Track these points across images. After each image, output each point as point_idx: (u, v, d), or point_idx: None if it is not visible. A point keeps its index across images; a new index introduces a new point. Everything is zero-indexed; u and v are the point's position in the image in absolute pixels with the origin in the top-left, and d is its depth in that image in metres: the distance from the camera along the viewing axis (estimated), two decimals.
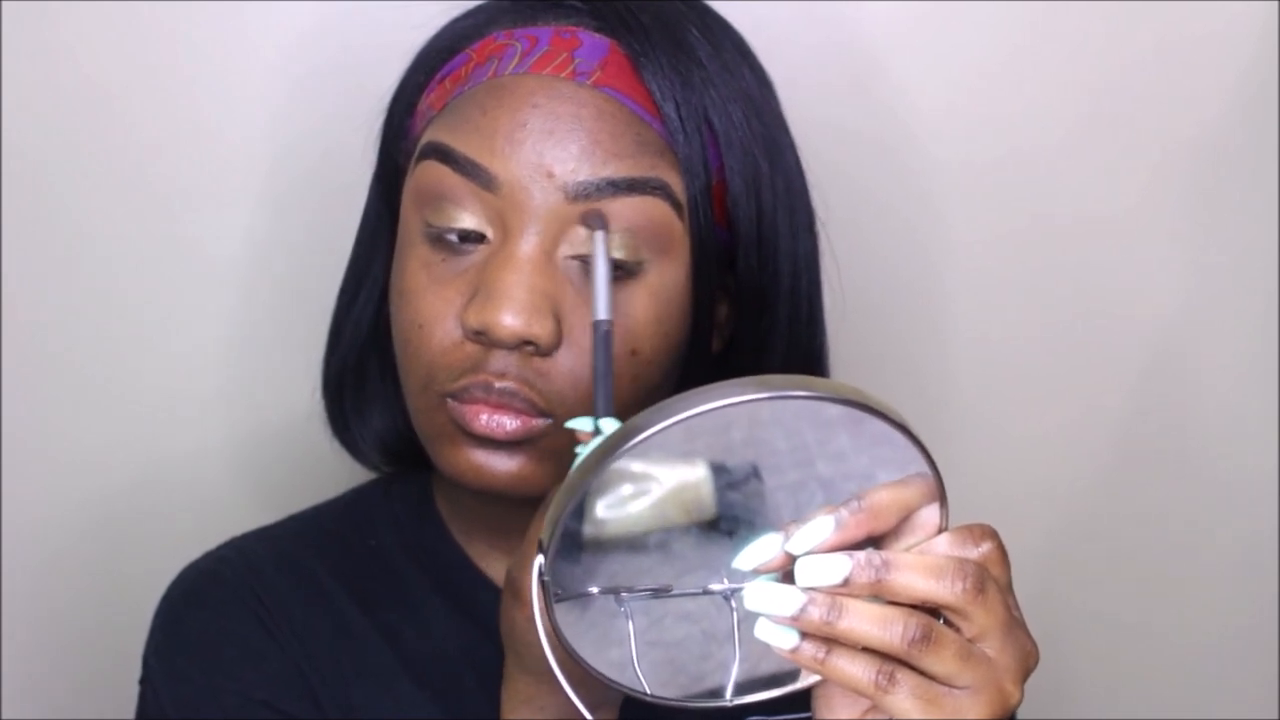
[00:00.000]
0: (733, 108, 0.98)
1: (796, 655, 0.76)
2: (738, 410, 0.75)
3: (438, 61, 1.00)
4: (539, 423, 0.94)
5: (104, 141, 1.27)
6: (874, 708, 0.81)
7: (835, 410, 0.76)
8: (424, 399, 0.96)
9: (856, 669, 0.76)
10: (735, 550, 0.78)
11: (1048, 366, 1.40)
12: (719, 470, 0.78)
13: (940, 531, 0.79)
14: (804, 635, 0.76)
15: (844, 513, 0.76)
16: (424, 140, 0.97)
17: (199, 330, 1.32)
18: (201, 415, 1.33)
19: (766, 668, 0.81)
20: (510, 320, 0.91)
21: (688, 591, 0.80)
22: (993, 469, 1.37)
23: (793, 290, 1.02)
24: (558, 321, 0.93)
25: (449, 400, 0.94)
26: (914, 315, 1.39)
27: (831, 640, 0.76)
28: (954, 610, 0.76)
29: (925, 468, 0.78)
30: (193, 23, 1.26)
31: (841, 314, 1.13)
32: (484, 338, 0.92)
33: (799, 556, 0.76)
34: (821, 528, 0.76)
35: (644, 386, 0.96)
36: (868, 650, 0.76)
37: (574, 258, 0.93)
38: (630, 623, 0.79)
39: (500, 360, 0.93)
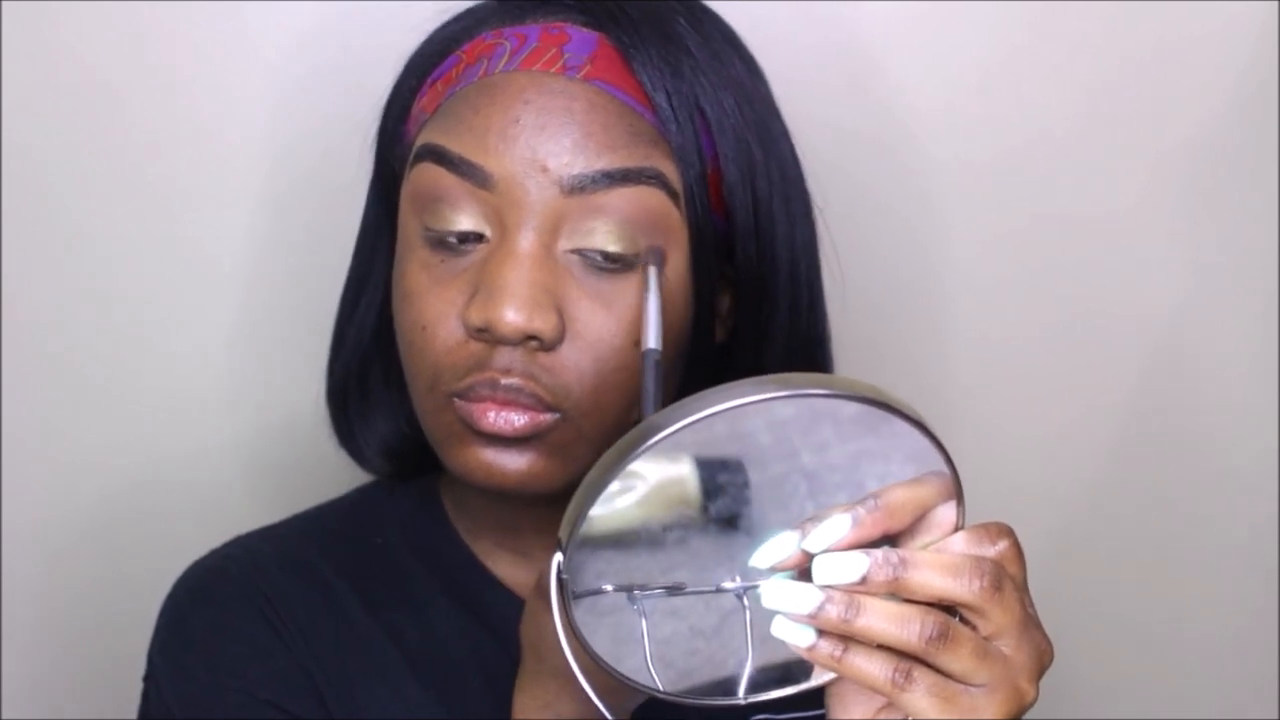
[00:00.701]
0: (724, 96, 0.98)
1: (813, 653, 0.76)
2: (755, 409, 0.75)
3: (429, 65, 1.00)
4: (547, 417, 0.94)
5: (104, 141, 1.27)
6: (889, 706, 0.81)
7: (852, 408, 0.76)
8: (431, 400, 0.96)
9: (873, 667, 0.76)
10: (750, 548, 0.79)
11: (1047, 366, 1.40)
12: (705, 465, 0.78)
13: (956, 530, 0.79)
14: (820, 633, 0.76)
15: (861, 511, 0.76)
16: (418, 143, 0.97)
17: (200, 330, 1.31)
18: (203, 415, 1.33)
19: (780, 665, 0.82)
20: (512, 316, 0.91)
21: (701, 589, 0.80)
22: (992, 468, 1.37)
23: (792, 277, 1.02)
24: (560, 315, 0.93)
25: (456, 400, 0.94)
26: (913, 315, 1.39)
27: (848, 638, 0.76)
28: (971, 608, 0.76)
29: (942, 466, 0.78)
30: (193, 23, 1.26)
31: (841, 311, 1.13)
32: (487, 335, 0.92)
33: (816, 554, 0.76)
34: (838, 526, 0.76)
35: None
36: (883, 648, 0.76)
37: (573, 251, 0.94)
38: (644, 621, 0.79)
39: (505, 357, 0.93)
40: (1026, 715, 0.81)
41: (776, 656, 0.81)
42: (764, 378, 0.76)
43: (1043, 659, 0.80)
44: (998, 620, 0.77)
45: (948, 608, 0.77)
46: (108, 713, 1.31)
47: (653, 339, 0.90)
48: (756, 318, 1.02)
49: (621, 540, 0.79)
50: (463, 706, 1.01)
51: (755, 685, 0.81)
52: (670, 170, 0.95)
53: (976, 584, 0.76)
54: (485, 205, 0.94)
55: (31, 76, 1.25)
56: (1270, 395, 1.40)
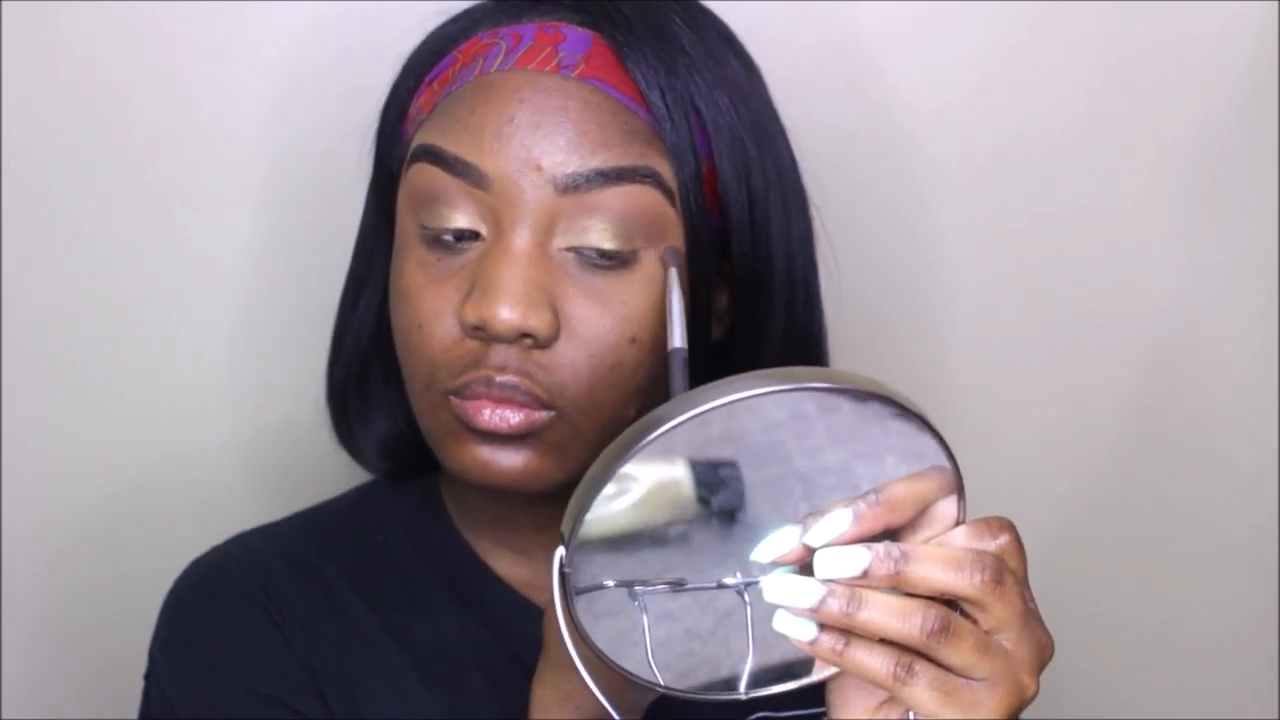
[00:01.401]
0: (719, 94, 0.98)
1: (815, 647, 0.76)
2: (756, 403, 0.75)
3: (426, 65, 1.00)
4: (542, 415, 0.94)
5: (104, 141, 1.27)
6: (890, 700, 0.82)
7: (852, 403, 0.76)
8: (427, 398, 0.96)
9: (875, 661, 0.76)
10: (750, 544, 0.79)
11: (1046, 365, 1.40)
12: (704, 460, 0.78)
13: (958, 524, 0.79)
14: (822, 627, 0.76)
15: (862, 505, 0.76)
16: (415, 143, 0.98)
17: (200, 329, 1.31)
18: (203, 415, 1.33)
19: (781, 661, 0.82)
20: (507, 314, 0.91)
21: (702, 585, 0.80)
22: (990, 466, 1.36)
23: (788, 273, 1.03)
24: (555, 313, 0.93)
25: (452, 398, 0.95)
26: (911, 314, 1.39)
27: (849, 632, 0.76)
28: (972, 602, 0.76)
29: (943, 460, 0.78)
30: (193, 23, 1.26)
31: (838, 310, 1.13)
32: (482, 333, 0.93)
33: (817, 549, 0.76)
34: (839, 520, 0.76)
35: (646, 374, 0.96)
36: (885, 642, 0.76)
37: (568, 249, 0.94)
38: (645, 616, 0.80)
39: (500, 354, 0.93)
40: (1026, 711, 0.81)
41: (777, 652, 0.81)
42: (767, 371, 0.76)
43: (1043, 653, 0.80)
44: (999, 614, 0.77)
45: (949, 602, 0.77)
46: (108, 713, 1.30)
47: (678, 338, 0.90)
48: (753, 315, 1.03)
49: (623, 538, 0.79)
50: (464, 704, 1.01)
51: (756, 682, 0.81)
52: (665, 168, 0.95)
53: (978, 578, 0.76)
54: (481, 204, 0.94)
55: (31, 77, 1.25)
56: (1270, 395, 1.40)
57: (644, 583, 0.80)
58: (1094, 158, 1.36)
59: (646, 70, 0.96)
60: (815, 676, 0.82)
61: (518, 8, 0.99)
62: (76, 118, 1.27)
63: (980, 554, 0.76)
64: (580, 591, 0.78)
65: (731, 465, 0.79)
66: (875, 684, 0.77)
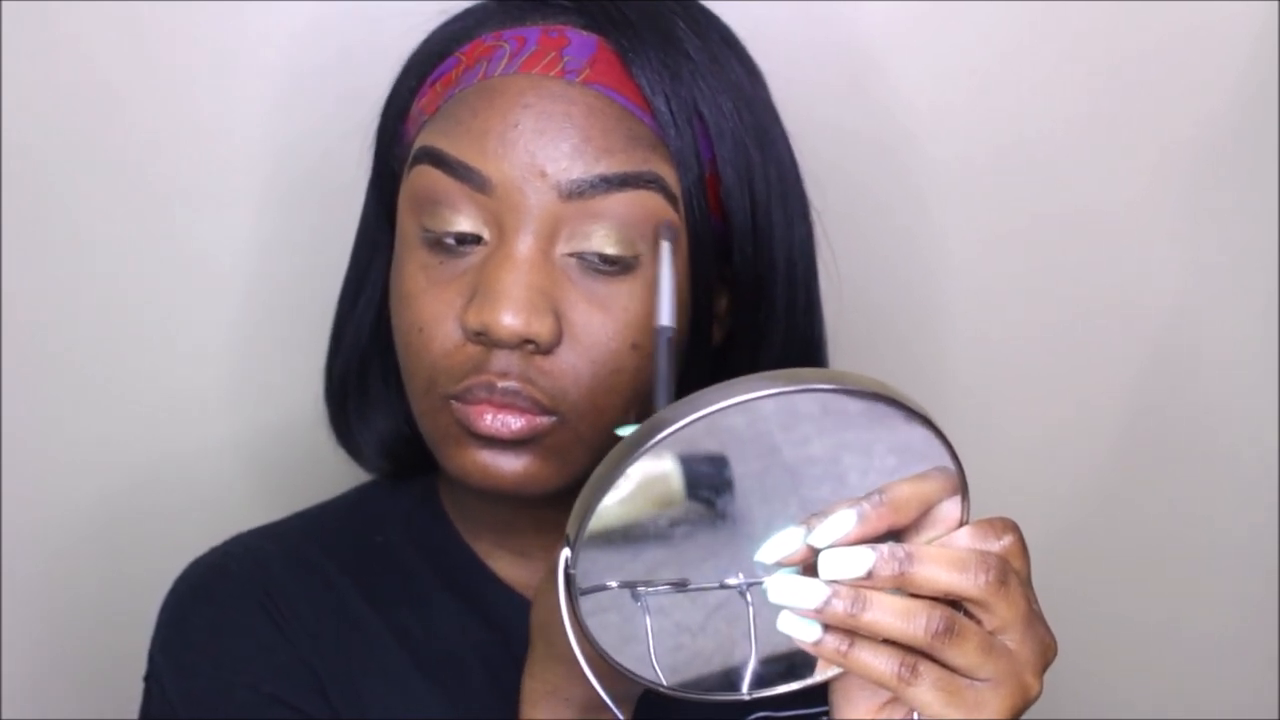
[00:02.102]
0: (722, 99, 0.98)
1: (819, 648, 0.76)
2: (759, 404, 0.75)
3: (428, 66, 1.00)
4: (543, 420, 0.94)
5: (104, 141, 1.27)
6: (893, 700, 0.82)
7: (857, 404, 0.76)
8: (428, 401, 0.96)
9: (879, 661, 0.76)
10: (754, 544, 0.79)
11: (1047, 366, 1.40)
12: (707, 461, 0.78)
13: (961, 525, 0.79)
14: (826, 628, 0.76)
15: (866, 506, 0.76)
16: (417, 145, 0.98)
17: (200, 329, 1.31)
18: (203, 415, 1.33)
19: (784, 661, 0.82)
20: (510, 320, 0.91)
21: (705, 586, 0.80)
22: (991, 467, 1.36)
23: (789, 278, 1.03)
24: (557, 319, 0.93)
25: (453, 402, 0.95)
26: (912, 314, 1.39)
27: (854, 633, 0.76)
28: (976, 603, 0.77)
29: (947, 461, 0.78)
30: (193, 22, 1.26)
31: (839, 310, 1.13)
32: (485, 338, 0.93)
33: (821, 550, 0.76)
34: (843, 521, 0.76)
35: (647, 380, 0.96)
36: (889, 643, 0.76)
37: (571, 255, 0.94)
38: (648, 616, 0.80)
39: (502, 360, 0.93)
40: (1029, 711, 0.81)
41: (780, 652, 0.81)
42: (772, 373, 0.76)
43: (1047, 654, 0.80)
44: (1003, 615, 0.77)
45: (953, 602, 0.77)
46: (108, 712, 1.30)
47: (666, 315, 0.89)
48: (754, 319, 1.03)
49: (627, 537, 0.79)
50: (465, 703, 1.01)
51: (759, 681, 0.81)
52: (669, 174, 0.95)
53: (982, 579, 0.76)
54: (483, 208, 0.94)
55: (31, 77, 1.25)
56: (1270, 395, 1.40)
57: (647, 583, 0.80)
58: (1095, 158, 1.36)
59: (651, 76, 0.96)
60: (818, 676, 0.82)
61: (521, 9, 0.98)
62: (76, 118, 1.27)
63: (984, 555, 0.76)
64: (584, 592, 0.78)
65: (736, 465, 0.79)
66: (879, 684, 0.77)
